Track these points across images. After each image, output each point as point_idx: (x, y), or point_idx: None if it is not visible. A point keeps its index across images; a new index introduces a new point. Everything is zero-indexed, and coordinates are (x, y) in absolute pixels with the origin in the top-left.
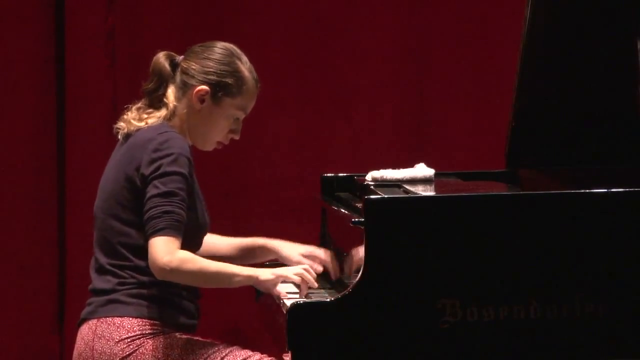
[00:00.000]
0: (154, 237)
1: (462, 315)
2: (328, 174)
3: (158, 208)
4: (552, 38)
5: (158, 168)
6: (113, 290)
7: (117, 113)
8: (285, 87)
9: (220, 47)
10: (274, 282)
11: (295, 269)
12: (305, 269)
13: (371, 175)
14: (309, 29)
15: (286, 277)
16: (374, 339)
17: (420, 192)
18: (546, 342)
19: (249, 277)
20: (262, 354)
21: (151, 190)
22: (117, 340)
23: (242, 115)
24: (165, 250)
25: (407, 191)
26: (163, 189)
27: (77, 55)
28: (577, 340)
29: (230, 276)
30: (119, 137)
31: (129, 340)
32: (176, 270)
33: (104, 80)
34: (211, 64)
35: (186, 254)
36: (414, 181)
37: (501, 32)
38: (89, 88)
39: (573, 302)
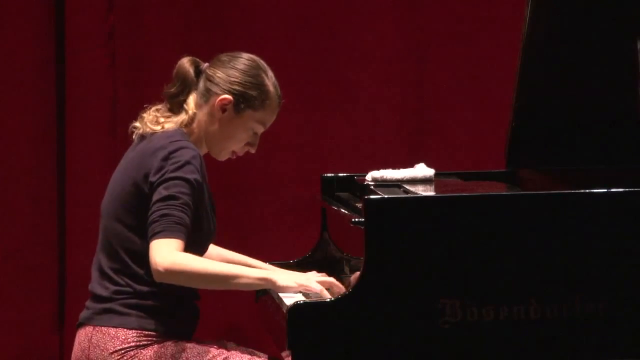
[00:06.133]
0: (152, 240)
1: (462, 315)
2: (328, 174)
3: (157, 212)
4: (552, 38)
5: (163, 175)
6: (110, 299)
7: (117, 113)
8: (285, 87)
9: (247, 59)
10: (295, 290)
11: (317, 278)
12: (328, 282)
13: (371, 175)
14: (309, 29)
15: (310, 288)
16: (374, 339)
17: (420, 192)
18: (546, 342)
19: (262, 280)
20: (261, 355)
21: (154, 197)
22: (111, 351)
23: (261, 130)
24: (161, 251)
25: (407, 191)
26: (164, 193)
27: (77, 55)
28: (577, 340)
29: (234, 278)
30: (134, 137)
31: (123, 351)
32: (170, 271)
33: (104, 80)
34: (237, 74)
35: (184, 256)
36: (414, 181)
37: (501, 32)
38: (89, 88)
39: (573, 302)
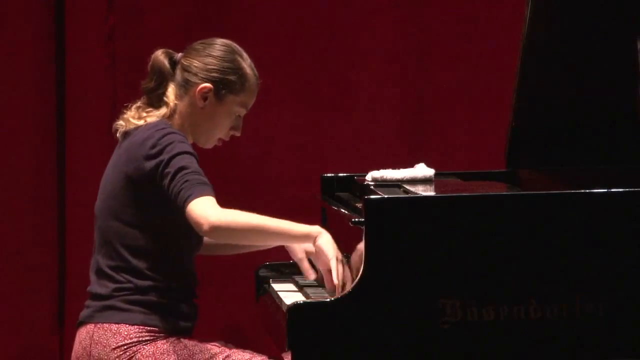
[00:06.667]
0: (187, 204)
1: (462, 315)
2: (328, 174)
3: (177, 186)
4: (552, 38)
5: (161, 160)
6: (110, 297)
7: (117, 113)
8: (285, 86)
9: (220, 44)
10: (326, 257)
11: (346, 272)
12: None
13: (371, 175)
14: (308, 29)
15: (335, 268)
16: (374, 339)
17: (420, 192)
18: (546, 342)
19: (305, 235)
20: (261, 355)
21: (164, 181)
22: (113, 346)
23: (243, 112)
24: (204, 210)
25: (407, 191)
26: (172, 170)
27: (77, 55)
28: (577, 340)
29: (278, 231)
30: (118, 135)
31: (125, 347)
32: (218, 226)
33: (104, 80)
34: (213, 61)
35: (227, 210)
36: (414, 181)
37: (501, 32)
38: (89, 88)
39: (573, 302)
